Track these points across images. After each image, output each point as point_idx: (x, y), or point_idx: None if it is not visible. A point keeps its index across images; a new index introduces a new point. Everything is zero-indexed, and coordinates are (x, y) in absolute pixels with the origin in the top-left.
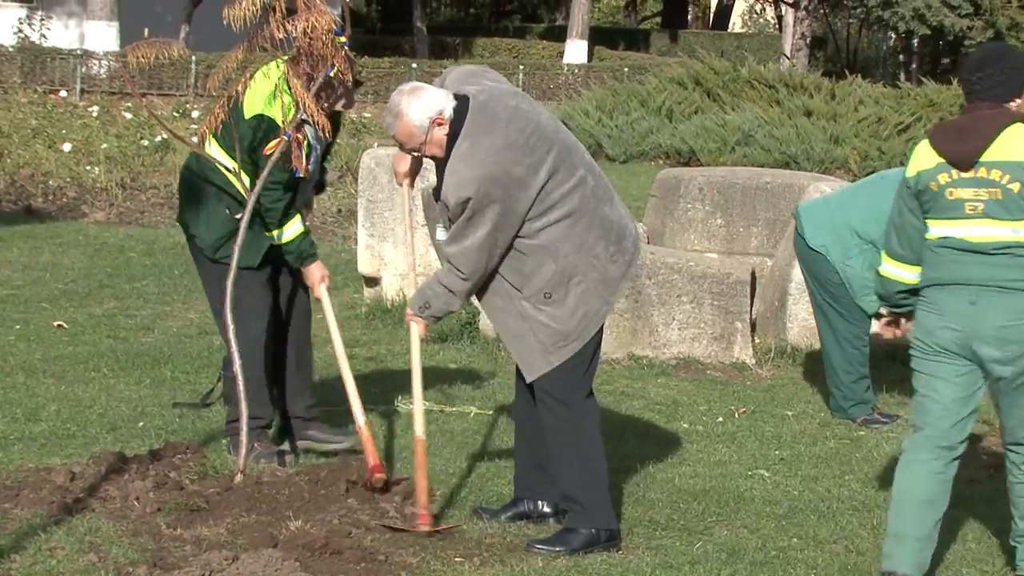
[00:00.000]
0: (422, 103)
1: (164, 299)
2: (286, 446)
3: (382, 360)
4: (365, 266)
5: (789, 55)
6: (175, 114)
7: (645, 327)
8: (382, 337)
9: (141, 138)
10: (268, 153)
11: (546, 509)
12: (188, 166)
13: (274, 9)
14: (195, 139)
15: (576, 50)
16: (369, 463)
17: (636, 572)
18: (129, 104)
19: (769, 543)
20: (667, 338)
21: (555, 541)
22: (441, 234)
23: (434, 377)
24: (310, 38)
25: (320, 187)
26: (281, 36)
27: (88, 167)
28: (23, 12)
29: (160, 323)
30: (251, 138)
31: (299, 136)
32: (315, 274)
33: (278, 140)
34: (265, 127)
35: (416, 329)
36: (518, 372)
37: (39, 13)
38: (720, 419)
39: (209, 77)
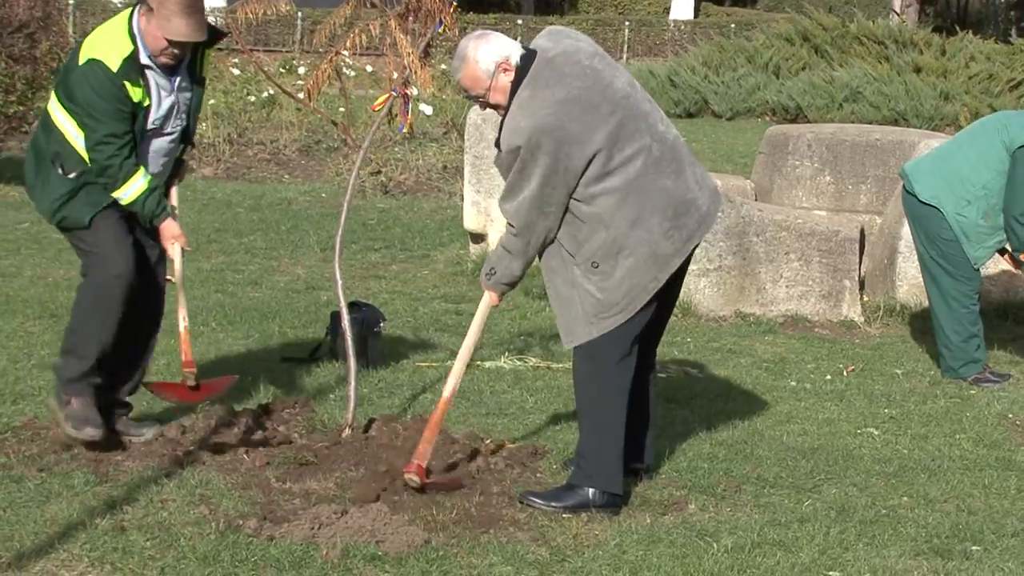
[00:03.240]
0: (489, 47)
1: (271, 254)
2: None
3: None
4: (471, 222)
5: (899, 11)
6: (281, 70)
7: (752, 284)
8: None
9: (248, 94)
10: (376, 109)
11: (638, 465)
12: (35, 134)
13: None
14: (300, 95)
15: (682, 6)
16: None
17: (745, 529)
18: (236, 60)
19: (879, 501)
20: (774, 295)
21: (550, 496)
22: None
23: (539, 334)
24: None
25: (186, 141)
26: None
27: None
28: None
29: (267, 278)
30: (81, 88)
31: (407, 92)
32: (166, 231)
33: (386, 96)
34: (90, 73)
35: (487, 298)
36: None
37: None
38: (828, 377)
39: (315, 33)
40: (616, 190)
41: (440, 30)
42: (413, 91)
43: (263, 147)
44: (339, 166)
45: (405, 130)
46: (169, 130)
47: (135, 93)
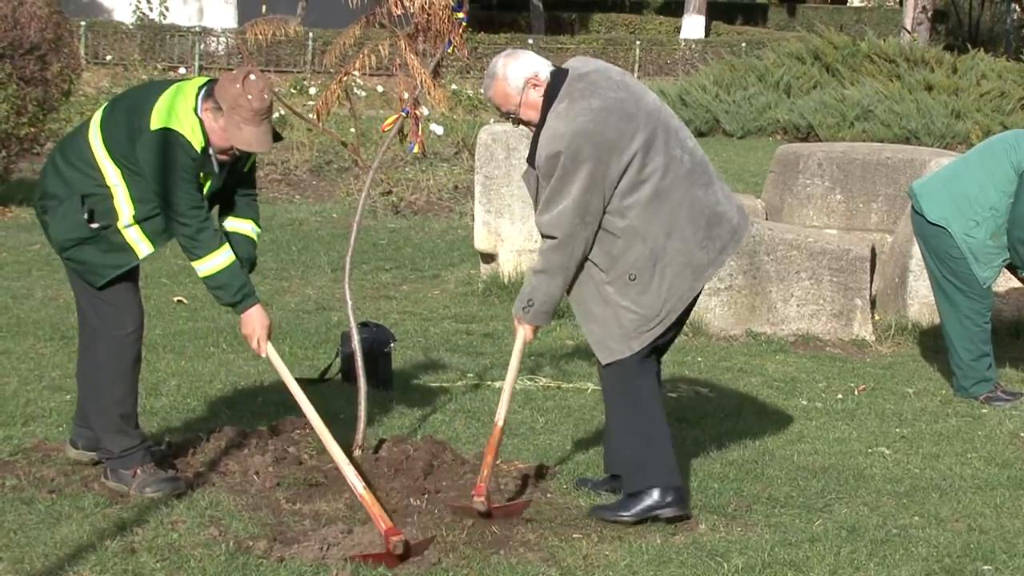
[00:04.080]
0: (518, 64)
1: (282, 275)
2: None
3: (499, 336)
4: (482, 242)
5: (910, 29)
6: (292, 91)
7: (763, 303)
8: (499, 313)
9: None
10: (386, 129)
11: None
12: (57, 151)
13: None
14: (312, 116)
15: (693, 25)
16: (382, 528)
17: (755, 549)
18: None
19: (890, 521)
20: (785, 314)
21: (618, 507)
22: None
23: (550, 354)
24: (428, 14)
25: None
26: (399, 12)
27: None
28: None
29: (278, 299)
30: (157, 153)
31: (417, 112)
32: (254, 322)
33: (396, 116)
34: (175, 142)
35: (522, 334)
36: None
37: None
38: (839, 396)
39: (326, 53)
40: (650, 201)
41: (449, 50)
42: (424, 111)
43: (274, 167)
44: (350, 186)
45: (416, 150)
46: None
47: (203, 177)
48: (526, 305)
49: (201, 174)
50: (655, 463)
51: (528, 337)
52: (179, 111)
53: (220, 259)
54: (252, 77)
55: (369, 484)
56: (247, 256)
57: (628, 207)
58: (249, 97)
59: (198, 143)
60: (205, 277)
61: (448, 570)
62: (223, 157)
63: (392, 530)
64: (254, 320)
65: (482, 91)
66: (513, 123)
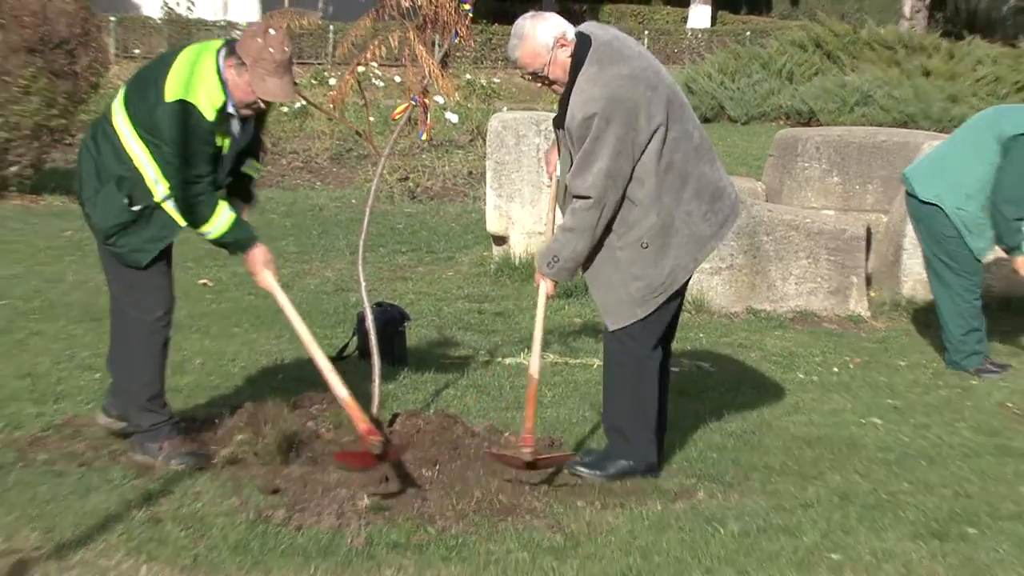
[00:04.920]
0: (547, 24)
1: (303, 258)
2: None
3: (510, 315)
4: (493, 225)
5: (908, 16)
6: (313, 81)
7: (763, 282)
8: (510, 293)
9: (280, 105)
10: (396, 118)
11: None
12: (88, 138)
13: None
14: (330, 106)
15: (700, 15)
16: (360, 428)
17: (751, 515)
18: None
19: (880, 488)
20: (784, 292)
21: (595, 465)
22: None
23: (559, 331)
24: (435, 6)
25: (252, 154)
26: (407, 5)
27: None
28: None
29: (299, 281)
30: (174, 121)
31: (426, 101)
32: (256, 259)
33: (406, 105)
34: (189, 113)
35: (544, 288)
36: None
37: None
38: (835, 369)
39: (338, 45)
40: (667, 171)
41: (456, 41)
42: (438, 99)
43: (296, 156)
44: (368, 173)
45: (424, 137)
46: (225, 167)
47: (220, 139)
48: (551, 261)
49: (221, 138)
50: (639, 438)
51: (550, 291)
52: (197, 77)
53: (222, 220)
54: (272, 31)
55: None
56: (247, 196)
57: (646, 175)
58: (271, 50)
59: (212, 108)
60: (213, 239)
61: (458, 536)
62: (246, 112)
63: (370, 430)
64: (257, 256)
65: (508, 50)
66: (538, 83)
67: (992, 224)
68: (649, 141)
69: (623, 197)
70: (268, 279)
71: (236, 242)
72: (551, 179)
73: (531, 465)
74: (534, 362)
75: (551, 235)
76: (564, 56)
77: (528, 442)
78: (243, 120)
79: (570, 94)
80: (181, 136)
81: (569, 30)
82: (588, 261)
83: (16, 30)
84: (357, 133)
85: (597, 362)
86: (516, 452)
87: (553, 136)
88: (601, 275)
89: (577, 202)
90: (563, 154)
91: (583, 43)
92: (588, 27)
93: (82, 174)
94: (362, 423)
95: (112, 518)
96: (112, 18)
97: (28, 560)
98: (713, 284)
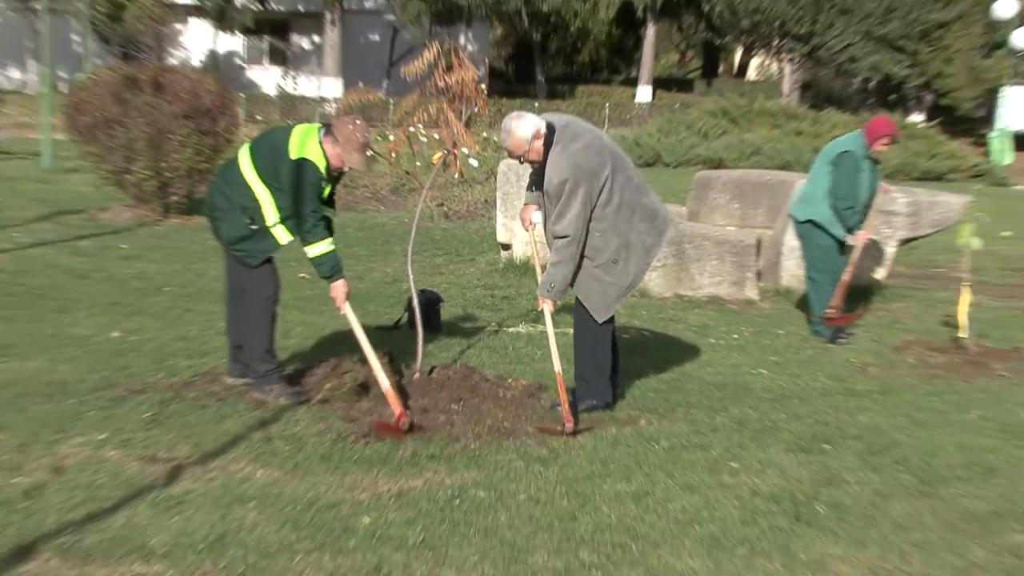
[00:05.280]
0: (526, 123)
1: (371, 259)
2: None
3: (512, 298)
4: (501, 236)
5: (786, 94)
6: (378, 138)
7: (686, 276)
8: (512, 283)
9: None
10: (435, 163)
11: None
12: (216, 179)
13: (438, 66)
14: (390, 155)
15: (644, 92)
16: (397, 411)
17: (676, 436)
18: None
19: (764, 417)
20: (700, 283)
21: (575, 403)
22: (536, 216)
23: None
24: (461, 86)
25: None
26: (442, 85)
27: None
28: (280, 71)
29: (368, 274)
30: (295, 175)
31: (455, 151)
32: (338, 289)
33: (441, 154)
34: (307, 168)
35: (548, 308)
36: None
37: (291, 72)
38: (735, 336)
39: (394, 111)
40: (619, 208)
41: (475, 110)
42: (464, 150)
43: (366, 188)
44: (415, 201)
45: (456, 176)
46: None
47: (325, 190)
48: (549, 288)
49: (325, 187)
50: (599, 384)
51: (551, 309)
52: (308, 145)
53: (323, 247)
54: (358, 122)
55: (403, 392)
56: (329, 230)
57: (606, 215)
58: (356, 135)
59: (322, 166)
60: (312, 257)
61: (475, 450)
62: (335, 173)
63: (403, 413)
64: (339, 289)
65: (501, 139)
66: (520, 162)
67: (835, 216)
68: (603, 188)
69: (588, 232)
70: (346, 307)
71: (327, 268)
72: (530, 229)
73: (572, 434)
74: (556, 362)
75: (538, 266)
76: (538, 145)
77: (568, 420)
78: (333, 180)
79: (544, 167)
80: (298, 183)
81: (542, 126)
82: (573, 279)
83: (177, 103)
84: (407, 172)
85: (570, 331)
86: (562, 427)
87: (524, 198)
88: (585, 287)
89: (559, 241)
90: (543, 208)
91: (551, 131)
92: (550, 117)
93: (213, 200)
94: (397, 408)
95: (239, 437)
96: (242, 95)
97: (183, 465)
98: (652, 278)
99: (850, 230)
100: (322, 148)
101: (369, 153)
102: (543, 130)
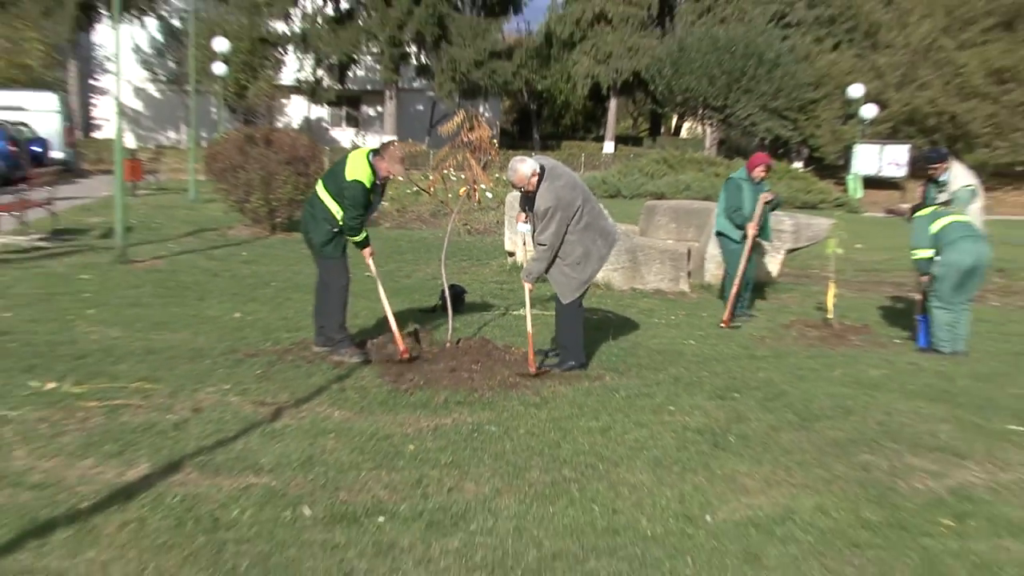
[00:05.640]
0: (527, 165)
1: (415, 262)
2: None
3: (516, 291)
4: (508, 246)
5: (708, 147)
6: (421, 178)
7: (638, 275)
8: (515, 279)
9: (407, 189)
10: (462, 194)
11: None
12: (308, 203)
13: (463, 127)
14: (430, 189)
15: (608, 146)
16: (400, 348)
17: (631, 388)
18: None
19: (692, 374)
20: (648, 280)
21: (556, 364)
22: (524, 227)
23: (537, 300)
24: (480, 141)
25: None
26: (467, 140)
27: (384, 203)
28: (354, 131)
29: (414, 273)
30: (350, 190)
31: (476, 187)
32: (367, 251)
33: (465, 188)
34: (357, 186)
35: (528, 287)
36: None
37: (361, 132)
38: (672, 317)
39: (433, 159)
40: (585, 228)
41: (489, 158)
42: (482, 186)
43: (413, 212)
44: (447, 222)
45: (476, 204)
46: (374, 209)
47: (371, 197)
48: (528, 274)
49: (373, 196)
50: (576, 349)
51: (531, 288)
52: (359, 166)
53: (362, 235)
54: (396, 143)
55: (454, 359)
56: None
57: (576, 231)
58: (397, 152)
59: (368, 181)
60: (355, 241)
61: (489, 398)
62: (384, 180)
63: (405, 350)
64: (368, 250)
65: (508, 175)
66: (522, 192)
67: (730, 224)
68: (574, 215)
69: (563, 242)
70: (371, 263)
71: (364, 242)
72: (524, 222)
73: (535, 376)
74: (528, 326)
75: (525, 258)
76: (534, 180)
77: (532, 366)
78: (380, 189)
79: (535, 196)
80: (355, 197)
81: (537, 167)
82: (551, 274)
83: (281, 153)
84: (441, 201)
85: (548, 314)
86: (528, 372)
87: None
88: (556, 278)
89: (540, 247)
90: (530, 221)
91: (542, 171)
92: (542, 160)
93: (306, 218)
94: (401, 345)
95: (322, 388)
96: (327, 148)
97: (282, 407)
98: (615, 276)
99: (740, 227)
100: (370, 165)
101: (406, 166)
102: (538, 170)
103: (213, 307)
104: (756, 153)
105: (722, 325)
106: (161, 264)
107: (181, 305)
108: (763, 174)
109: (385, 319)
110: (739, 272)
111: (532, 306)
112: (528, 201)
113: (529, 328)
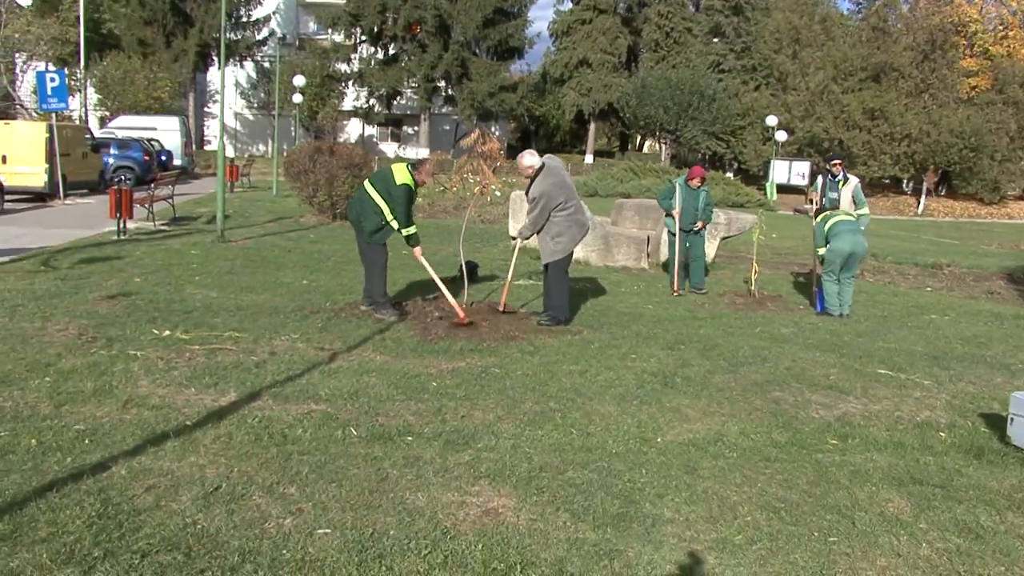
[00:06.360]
0: (528, 160)
1: (440, 243)
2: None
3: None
4: (511, 232)
5: (663, 160)
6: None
7: (609, 254)
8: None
9: (436, 188)
10: (476, 191)
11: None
12: (354, 197)
13: (478, 141)
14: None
15: (589, 158)
16: (461, 315)
17: (603, 341)
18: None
19: (650, 330)
20: (617, 258)
21: (545, 321)
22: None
23: (529, 270)
24: (490, 150)
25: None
26: (479, 151)
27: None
28: (396, 145)
29: (438, 252)
30: (398, 192)
31: (488, 186)
32: (418, 251)
33: (479, 187)
34: (405, 188)
35: (520, 242)
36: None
37: (402, 145)
38: (635, 287)
39: (455, 165)
40: (566, 217)
41: (498, 164)
42: (492, 187)
43: (440, 206)
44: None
45: (488, 200)
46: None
47: (413, 197)
48: (520, 233)
49: (415, 197)
50: (562, 308)
51: (521, 244)
52: (404, 175)
53: (413, 229)
54: (428, 158)
55: (468, 318)
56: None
57: (560, 216)
58: (429, 167)
59: (411, 185)
60: (407, 235)
61: (494, 347)
62: (418, 187)
63: (464, 316)
64: (418, 250)
65: (516, 162)
66: (526, 178)
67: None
68: (556, 206)
69: (548, 221)
70: (422, 259)
71: (414, 240)
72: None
73: (504, 313)
74: (510, 274)
75: (521, 225)
76: (531, 172)
77: (504, 306)
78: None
79: (531, 185)
80: (402, 197)
81: (538, 163)
82: (540, 241)
83: (341, 160)
84: (461, 197)
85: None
86: (502, 307)
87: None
88: (541, 243)
89: (530, 216)
90: (529, 204)
91: (542, 166)
92: (547, 159)
93: (356, 210)
94: (461, 313)
95: (368, 337)
96: (376, 157)
97: (337, 352)
98: (592, 255)
99: (669, 213)
100: (411, 175)
101: (435, 176)
102: (536, 165)
103: (287, 275)
104: (695, 166)
105: (673, 294)
106: (249, 243)
107: (263, 274)
108: (698, 184)
109: (437, 293)
110: (675, 254)
111: (529, 278)
112: (528, 186)
113: (509, 276)
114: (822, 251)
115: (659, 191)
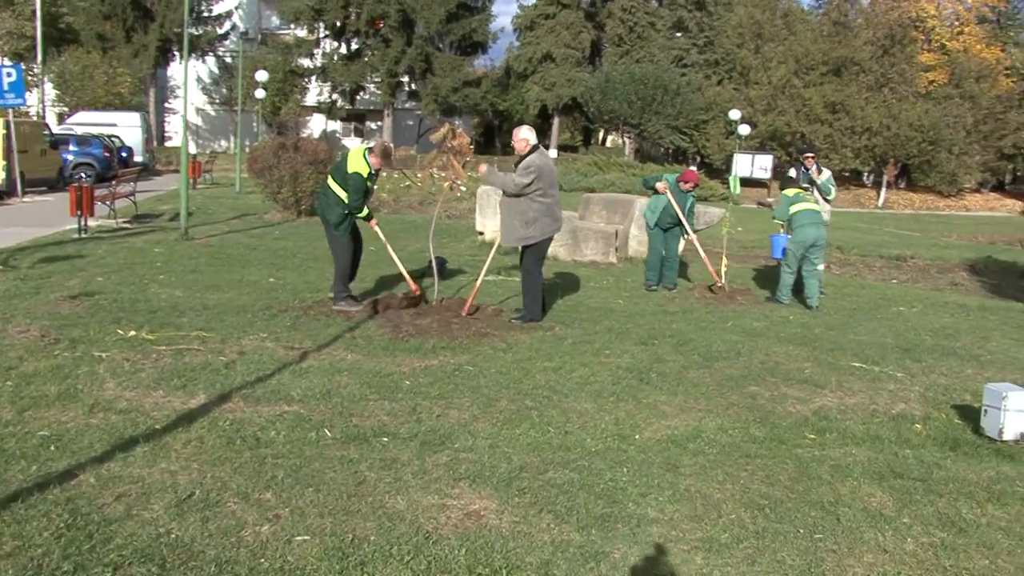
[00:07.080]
0: (525, 133)
1: (407, 240)
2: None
3: (483, 260)
4: (478, 227)
5: (627, 154)
6: (413, 176)
7: (579, 249)
8: (484, 252)
9: (401, 184)
10: (446, 187)
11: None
12: (319, 192)
13: (447, 136)
14: (419, 184)
15: (552, 153)
16: (413, 288)
17: (576, 336)
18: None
19: (623, 326)
20: (586, 253)
21: (519, 318)
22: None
23: (504, 269)
24: (460, 145)
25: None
26: (450, 146)
27: (383, 194)
28: (360, 140)
29: (406, 248)
30: (352, 181)
31: (456, 181)
32: (373, 221)
33: (449, 182)
34: (356, 176)
35: (485, 176)
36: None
37: (366, 140)
38: (605, 282)
39: (420, 161)
40: (542, 206)
41: (467, 159)
42: (458, 182)
43: (405, 201)
44: (433, 209)
45: (458, 194)
46: (371, 194)
47: (368, 184)
48: (491, 183)
49: (369, 183)
50: (535, 306)
51: (486, 180)
52: (358, 161)
53: (365, 211)
54: (378, 140)
55: (439, 314)
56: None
57: (538, 200)
58: (380, 148)
59: (366, 171)
60: (360, 216)
61: (467, 344)
62: (375, 171)
63: (416, 288)
64: (373, 221)
65: (513, 134)
66: (518, 153)
67: (649, 211)
68: (539, 190)
69: (524, 202)
70: (376, 228)
71: (367, 215)
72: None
73: (469, 314)
74: (484, 272)
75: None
76: (522, 147)
77: (465, 310)
78: (375, 176)
79: (521, 160)
80: (356, 185)
81: (533, 142)
82: (504, 213)
83: (305, 156)
84: (430, 192)
85: (518, 277)
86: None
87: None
88: (504, 221)
89: (516, 180)
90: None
91: (535, 147)
92: (541, 149)
93: (321, 203)
94: (413, 285)
95: (338, 336)
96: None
97: (307, 351)
98: (560, 250)
99: (646, 183)
100: (366, 159)
101: (389, 162)
102: (532, 142)
103: (253, 273)
104: (689, 171)
105: (646, 289)
106: (214, 241)
107: (228, 272)
108: (689, 188)
109: (396, 275)
110: (655, 250)
111: (498, 274)
112: (517, 162)
113: (479, 279)
114: (778, 223)
115: (623, 185)
